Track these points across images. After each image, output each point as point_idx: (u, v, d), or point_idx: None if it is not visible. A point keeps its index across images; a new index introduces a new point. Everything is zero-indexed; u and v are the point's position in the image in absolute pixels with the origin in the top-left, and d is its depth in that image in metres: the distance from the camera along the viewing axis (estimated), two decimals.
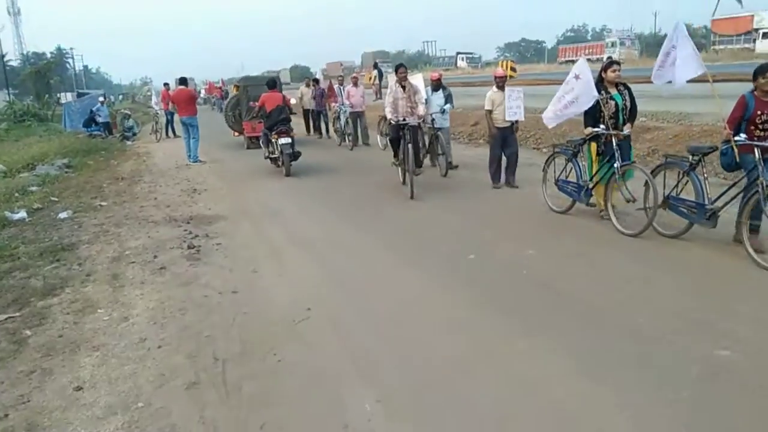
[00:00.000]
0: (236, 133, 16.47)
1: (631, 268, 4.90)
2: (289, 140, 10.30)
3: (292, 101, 11.95)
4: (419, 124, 8.63)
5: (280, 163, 10.66)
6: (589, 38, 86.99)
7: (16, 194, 9.97)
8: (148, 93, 42.19)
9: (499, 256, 5.54)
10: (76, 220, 7.91)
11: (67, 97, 54.07)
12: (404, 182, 8.64)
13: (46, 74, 53.39)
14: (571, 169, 6.76)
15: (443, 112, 9.96)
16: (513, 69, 30.49)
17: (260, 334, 3.94)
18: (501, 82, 8.47)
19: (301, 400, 3.11)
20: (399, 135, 8.33)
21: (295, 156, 10.45)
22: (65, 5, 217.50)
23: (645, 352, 3.40)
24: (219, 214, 7.75)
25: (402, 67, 8.65)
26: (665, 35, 7.36)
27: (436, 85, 10.19)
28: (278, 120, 10.43)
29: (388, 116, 8.39)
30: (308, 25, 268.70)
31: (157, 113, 20.37)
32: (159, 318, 4.31)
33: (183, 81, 14.41)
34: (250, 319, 4.20)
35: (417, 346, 3.65)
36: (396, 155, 8.75)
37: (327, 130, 17.17)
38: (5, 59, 73.40)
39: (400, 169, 8.93)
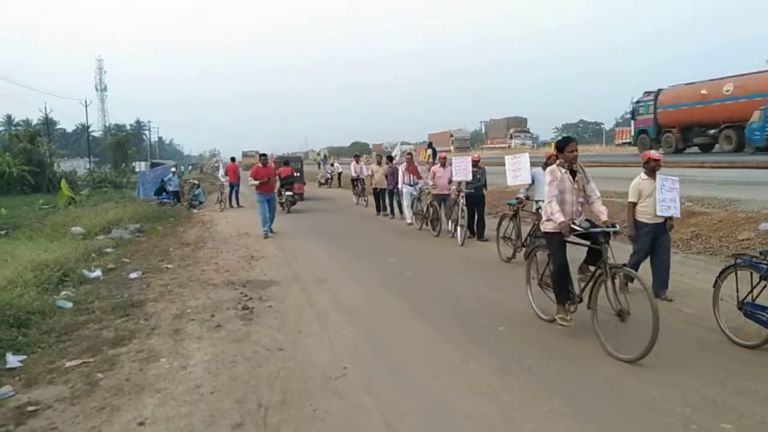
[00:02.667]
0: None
1: None
2: (291, 192, 18.59)
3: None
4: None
5: (286, 206, 18.09)
6: None
7: (93, 255, 10.95)
8: (216, 164, 44.76)
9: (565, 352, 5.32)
10: (145, 280, 8.68)
11: (140, 166, 57.81)
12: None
13: (124, 145, 57.37)
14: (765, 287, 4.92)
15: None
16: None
17: (300, 386, 4.39)
18: (655, 167, 6.69)
19: None
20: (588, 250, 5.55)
21: (294, 201, 18.82)
22: (147, 81, 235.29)
23: None
24: (273, 279, 8.37)
25: (572, 142, 5.59)
26: None
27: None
28: (287, 182, 18.38)
29: (553, 217, 5.35)
30: (370, 100, 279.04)
31: (223, 184, 21.74)
32: (213, 368, 4.84)
33: (263, 158, 14.58)
34: (292, 373, 4.67)
35: (443, 407, 4.01)
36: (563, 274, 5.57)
37: (400, 210, 15.41)
38: (90, 130, 79.75)
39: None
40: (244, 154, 57.95)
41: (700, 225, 10.21)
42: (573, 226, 5.27)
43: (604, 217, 5.24)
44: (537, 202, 8.58)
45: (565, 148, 5.48)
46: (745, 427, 3.57)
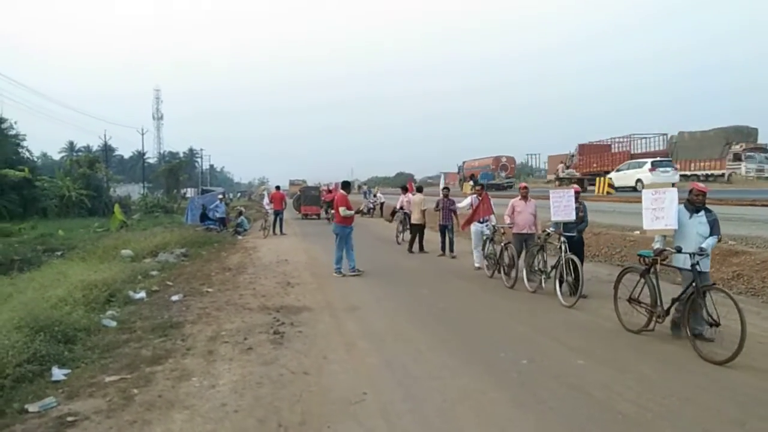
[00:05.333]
0: (297, 213, 32.13)
1: None
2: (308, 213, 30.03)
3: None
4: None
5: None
6: None
7: (139, 277, 11.50)
8: (263, 193, 45.99)
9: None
10: (185, 303, 9.06)
11: (189, 192, 59.82)
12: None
13: (177, 172, 59.55)
14: None
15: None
16: (611, 186, 30.33)
17: (320, 409, 4.58)
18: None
19: None
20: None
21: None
22: (202, 111, 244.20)
23: None
24: (306, 306, 8.62)
25: None
26: None
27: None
28: (310, 203, 30.63)
29: None
30: (412, 132, 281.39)
31: (268, 212, 22.35)
32: (239, 388, 5.08)
33: (346, 185, 12.97)
34: (313, 397, 4.86)
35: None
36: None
37: (451, 248, 14.21)
38: (145, 157, 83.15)
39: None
40: (291, 183, 59.30)
41: (742, 265, 10.00)
42: None
43: None
44: (686, 253, 6.35)
45: None
46: None
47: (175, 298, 9.43)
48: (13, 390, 5.15)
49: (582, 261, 8.74)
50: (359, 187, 63.32)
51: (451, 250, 14.17)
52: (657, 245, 6.78)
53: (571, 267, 8.45)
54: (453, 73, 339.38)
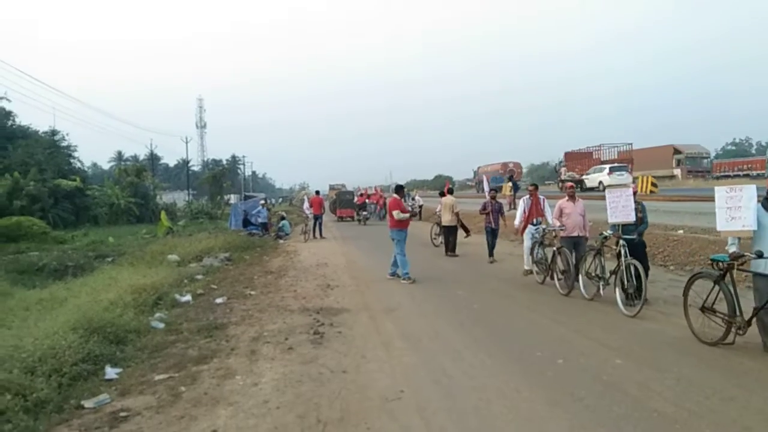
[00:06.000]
0: (334, 215, 35.13)
1: None
2: (343, 216, 33.51)
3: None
4: None
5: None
6: (754, 152, 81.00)
7: (185, 281, 11.89)
8: (303, 197, 46.65)
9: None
10: (229, 305, 9.36)
11: (232, 199, 61.09)
12: None
13: (220, 179, 60.90)
14: None
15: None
16: (654, 185, 29.93)
17: (358, 406, 4.72)
18: None
19: None
20: None
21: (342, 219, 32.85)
22: (243, 118, 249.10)
23: None
24: (345, 307, 8.79)
25: None
26: None
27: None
28: (345, 206, 33.41)
29: None
30: (447, 135, 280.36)
31: (308, 216, 22.74)
32: (281, 386, 5.28)
33: (399, 189, 12.94)
34: (351, 394, 5.01)
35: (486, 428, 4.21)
36: None
37: (491, 251, 13.83)
38: (189, 165, 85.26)
39: None
40: (331, 188, 59.95)
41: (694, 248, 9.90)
42: None
43: None
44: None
45: None
46: None
47: (219, 300, 9.74)
48: (70, 387, 5.45)
49: (647, 267, 8.24)
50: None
51: (491, 254, 13.79)
52: (732, 248, 6.07)
53: (632, 273, 7.74)
54: (492, 74, 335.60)
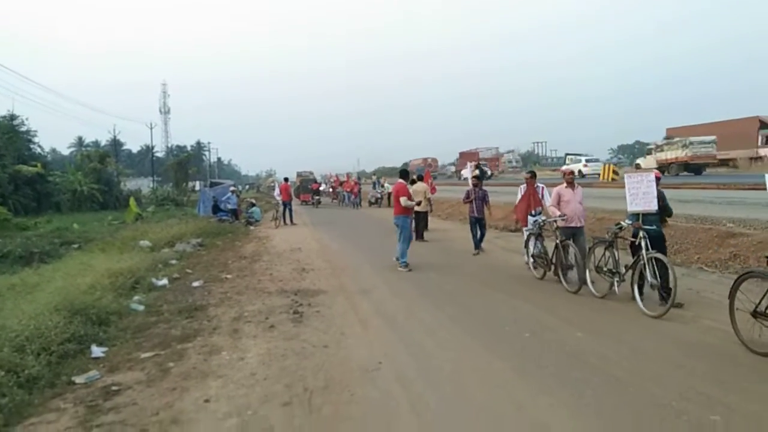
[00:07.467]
0: (297, 199, 34.70)
1: None
2: (306, 200, 37.55)
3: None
4: None
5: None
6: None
7: (160, 265, 11.99)
8: (271, 184, 46.65)
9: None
10: (207, 288, 9.55)
11: (198, 185, 60.44)
12: None
13: (185, 165, 59.95)
14: None
15: None
16: (615, 173, 31.00)
17: (341, 376, 5.06)
18: None
19: (364, 421, 4.17)
20: None
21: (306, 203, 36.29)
22: (207, 104, 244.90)
23: None
24: (321, 289, 9.09)
25: None
26: None
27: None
28: (306, 192, 38.20)
29: None
30: (421, 120, 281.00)
31: (278, 203, 22.84)
32: (266, 360, 5.58)
33: (404, 174, 12.36)
34: (334, 366, 5.34)
35: (463, 396, 4.58)
36: None
37: (480, 243, 12.80)
38: (153, 151, 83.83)
39: None
40: (299, 175, 59.75)
41: (739, 246, 10.30)
42: None
43: None
44: None
45: None
46: None
47: (196, 284, 9.92)
48: (59, 365, 5.64)
49: (665, 254, 7.34)
50: (372, 177, 64.38)
51: (480, 247, 12.75)
52: None
53: (656, 268, 6.92)
54: (464, 53, 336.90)
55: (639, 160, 40.03)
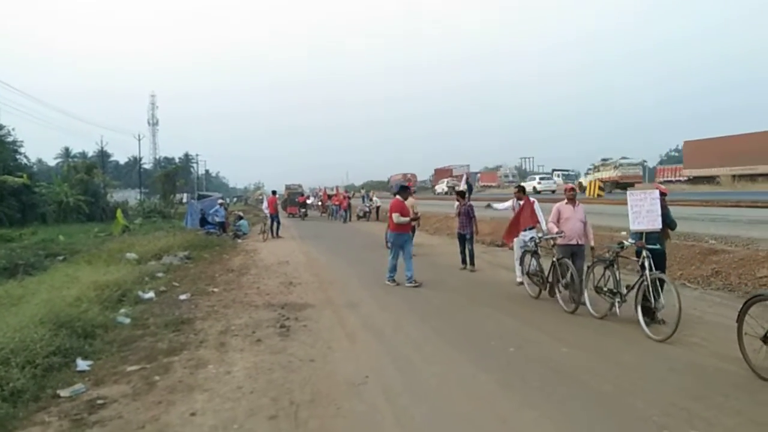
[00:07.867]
0: (285, 212, 36.83)
1: None
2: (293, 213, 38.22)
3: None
4: None
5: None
6: None
7: (146, 278, 11.94)
8: (260, 197, 46.61)
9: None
10: (193, 301, 9.53)
11: (185, 198, 60.22)
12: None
13: (173, 177, 59.75)
14: None
15: None
16: (601, 189, 31.45)
17: (327, 390, 5.09)
18: None
19: None
20: None
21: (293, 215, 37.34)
22: (196, 117, 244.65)
23: None
24: (308, 303, 9.11)
25: None
26: None
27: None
28: (293, 205, 39.41)
29: None
30: (411, 134, 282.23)
31: (266, 216, 22.86)
32: (253, 374, 5.60)
33: (404, 189, 11.87)
34: (321, 380, 5.37)
35: (447, 409, 4.62)
36: None
37: (471, 260, 12.37)
38: (141, 162, 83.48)
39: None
40: (287, 188, 59.76)
41: (721, 263, 10.41)
42: None
43: None
44: None
45: None
46: None
47: (183, 297, 9.90)
48: (44, 378, 5.61)
49: (665, 272, 7.26)
50: (360, 191, 64.44)
51: (471, 263, 12.32)
52: None
53: (659, 288, 6.68)
54: (451, 69, 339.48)
55: (581, 179, 43.92)
